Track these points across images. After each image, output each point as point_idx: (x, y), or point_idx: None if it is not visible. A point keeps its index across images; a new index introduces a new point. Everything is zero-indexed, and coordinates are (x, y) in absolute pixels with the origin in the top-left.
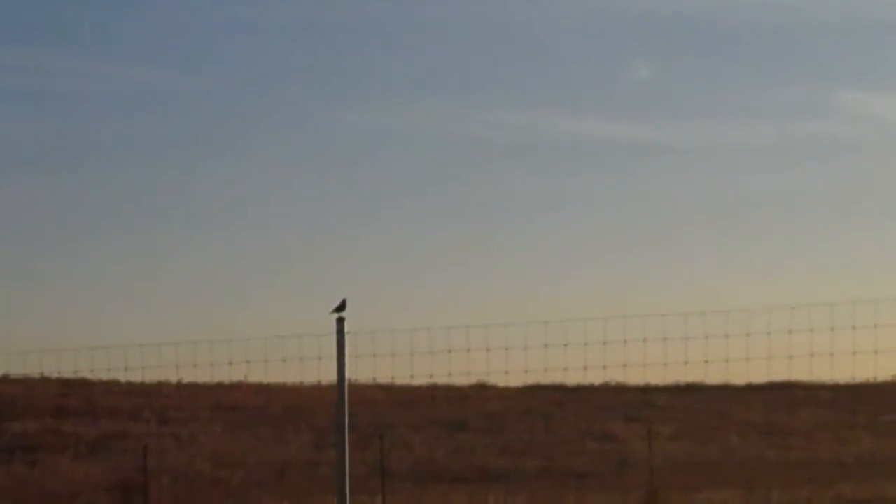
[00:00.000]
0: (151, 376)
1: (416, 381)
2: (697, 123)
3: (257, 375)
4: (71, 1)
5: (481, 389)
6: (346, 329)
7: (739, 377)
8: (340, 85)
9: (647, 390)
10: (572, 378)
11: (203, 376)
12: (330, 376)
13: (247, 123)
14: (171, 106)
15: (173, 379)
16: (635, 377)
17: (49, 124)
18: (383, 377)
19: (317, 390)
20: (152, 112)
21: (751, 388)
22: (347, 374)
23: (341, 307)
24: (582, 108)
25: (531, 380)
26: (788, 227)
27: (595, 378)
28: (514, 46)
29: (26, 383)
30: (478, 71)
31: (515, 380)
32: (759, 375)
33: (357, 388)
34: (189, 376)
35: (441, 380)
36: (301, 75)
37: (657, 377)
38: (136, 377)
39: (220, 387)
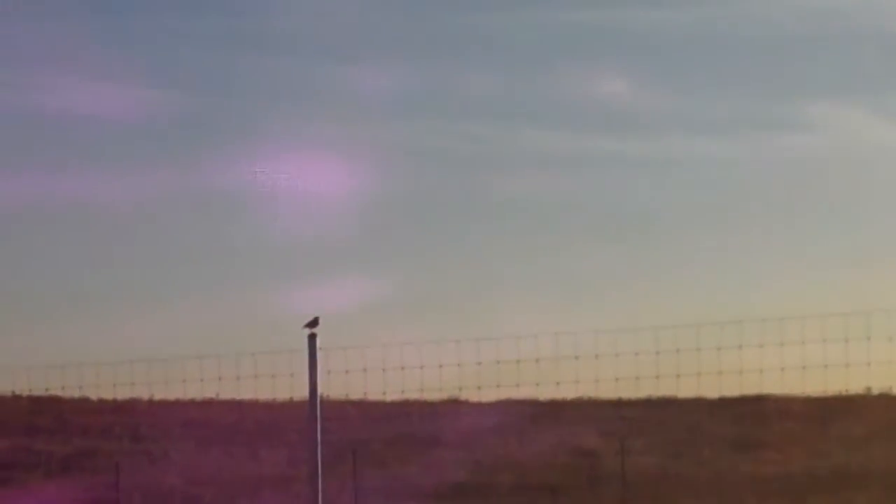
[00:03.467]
0: (123, 393)
1: (389, 397)
2: (673, 136)
3: (229, 392)
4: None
5: (454, 405)
6: (318, 345)
7: (711, 391)
8: None
9: (619, 404)
10: (545, 393)
11: (175, 393)
12: (302, 392)
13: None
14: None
15: (145, 396)
16: (608, 391)
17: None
18: (356, 393)
19: (289, 406)
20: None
21: (723, 402)
22: (320, 390)
23: (314, 323)
24: (556, 120)
25: (504, 395)
26: (765, 241)
27: (568, 393)
28: (486, 59)
29: None
30: (450, 83)
31: (488, 395)
32: (731, 389)
33: (330, 404)
34: (161, 393)
35: (413, 395)
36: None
37: (629, 391)
38: (107, 394)
39: (192, 404)
